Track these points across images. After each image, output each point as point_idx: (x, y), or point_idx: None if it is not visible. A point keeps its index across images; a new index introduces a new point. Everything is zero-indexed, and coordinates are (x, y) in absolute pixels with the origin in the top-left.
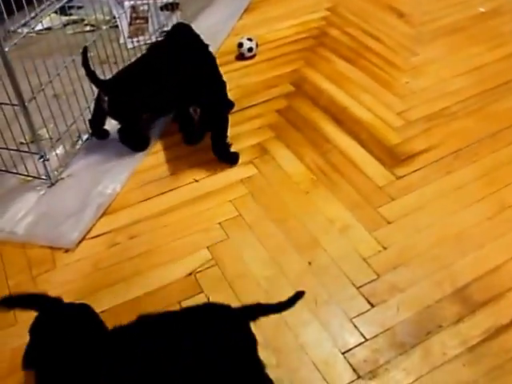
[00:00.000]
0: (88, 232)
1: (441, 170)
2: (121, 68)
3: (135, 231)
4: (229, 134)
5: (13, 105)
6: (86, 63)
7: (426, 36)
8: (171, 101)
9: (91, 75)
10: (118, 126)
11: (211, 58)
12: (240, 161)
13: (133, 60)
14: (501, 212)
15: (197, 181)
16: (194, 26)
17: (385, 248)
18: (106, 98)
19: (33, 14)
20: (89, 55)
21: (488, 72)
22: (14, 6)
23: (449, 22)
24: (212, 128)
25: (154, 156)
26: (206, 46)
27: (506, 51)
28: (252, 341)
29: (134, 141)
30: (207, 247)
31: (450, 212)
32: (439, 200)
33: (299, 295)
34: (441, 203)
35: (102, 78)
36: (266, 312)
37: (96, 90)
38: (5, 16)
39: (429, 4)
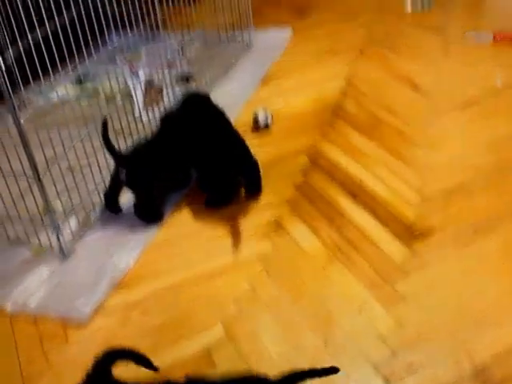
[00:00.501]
0: (101, 306)
1: (459, 246)
2: (139, 140)
3: (149, 306)
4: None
5: (28, 177)
6: (105, 135)
7: (442, 109)
8: (188, 172)
9: (110, 148)
10: (133, 200)
11: (227, 123)
12: (255, 236)
13: (150, 132)
14: None
15: (211, 255)
16: None
17: (402, 325)
18: (124, 171)
19: (47, 84)
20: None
21: (506, 145)
22: (29, 75)
23: (465, 96)
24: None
25: (168, 230)
26: (220, 112)
27: None
28: None
29: (149, 214)
30: (221, 323)
31: (468, 288)
32: (457, 276)
33: (335, 369)
34: (459, 279)
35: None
36: (302, 378)
37: (111, 164)
38: (20, 85)
39: (445, 77)
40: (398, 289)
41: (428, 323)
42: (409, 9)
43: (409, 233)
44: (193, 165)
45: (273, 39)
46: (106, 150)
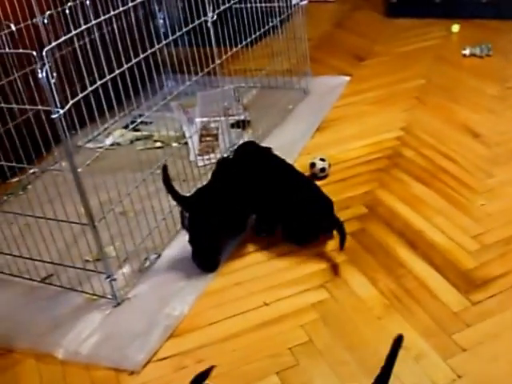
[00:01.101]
0: (154, 354)
1: None
2: (199, 186)
3: (203, 355)
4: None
5: (82, 224)
6: (166, 181)
7: (502, 157)
8: (246, 218)
9: (172, 192)
10: (190, 246)
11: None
12: (311, 284)
13: (211, 178)
14: None
15: (267, 304)
16: (264, 144)
17: (460, 377)
18: (187, 215)
19: (102, 129)
20: (169, 173)
21: None
22: (86, 118)
23: None
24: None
25: (223, 278)
26: (274, 156)
27: None
28: None
29: (207, 261)
30: (276, 373)
31: None
32: None
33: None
34: None
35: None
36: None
37: (166, 209)
38: (78, 131)
39: (504, 124)
40: (456, 339)
41: (487, 376)
42: (467, 54)
43: (468, 283)
44: (255, 211)
45: (330, 86)
46: (169, 196)
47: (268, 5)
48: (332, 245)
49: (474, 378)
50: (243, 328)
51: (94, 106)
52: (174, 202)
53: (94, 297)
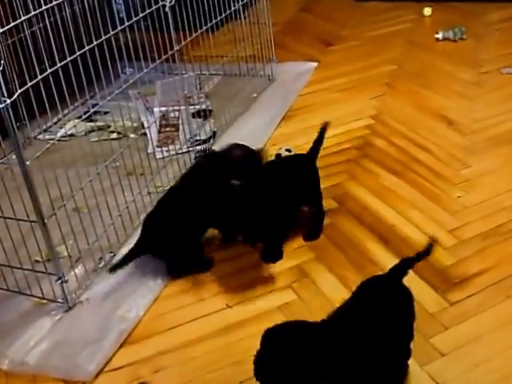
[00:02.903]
0: (107, 363)
1: (500, 295)
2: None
3: (161, 363)
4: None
5: (31, 221)
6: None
7: (478, 146)
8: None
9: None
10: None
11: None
12: (277, 285)
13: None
14: None
15: (230, 306)
16: (228, 135)
17: None
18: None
19: (55, 120)
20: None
21: None
22: (36, 110)
23: (503, 131)
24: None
25: (183, 278)
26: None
27: None
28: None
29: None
30: (240, 383)
31: (511, 343)
32: (499, 329)
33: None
34: (502, 332)
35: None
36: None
37: (121, 205)
38: (26, 122)
39: (480, 111)
40: (434, 343)
41: (468, 383)
42: (440, 37)
43: (445, 281)
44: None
45: (296, 73)
46: None
47: None
48: (299, 242)
49: None
50: (205, 333)
51: (44, 95)
52: (129, 198)
53: (44, 301)
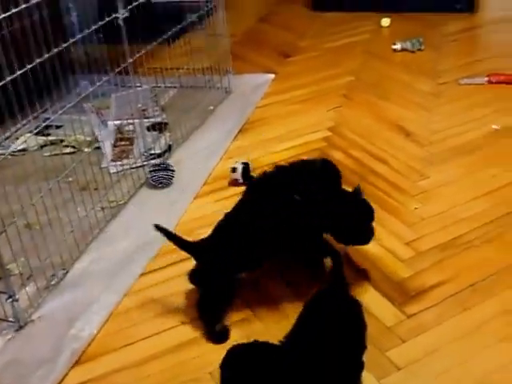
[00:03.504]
0: (60, 383)
1: (457, 307)
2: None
3: (115, 381)
4: None
5: None
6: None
7: (435, 157)
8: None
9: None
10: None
11: None
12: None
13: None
14: None
15: (184, 323)
16: (184, 148)
17: None
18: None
19: (7, 134)
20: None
21: (505, 195)
22: None
23: (460, 142)
24: None
25: (138, 294)
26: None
27: None
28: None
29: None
30: None
31: (469, 355)
32: (456, 341)
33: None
34: (458, 345)
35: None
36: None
37: (74, 221)
38: None
39: (438, 122)
40: (390, 356)
41: None
42: (398, 48)
43: (402, 293)
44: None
45: (254, 84)
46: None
47: None
48: None
49: None
50: (159, 350)
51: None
52: (83, 213)
53: None
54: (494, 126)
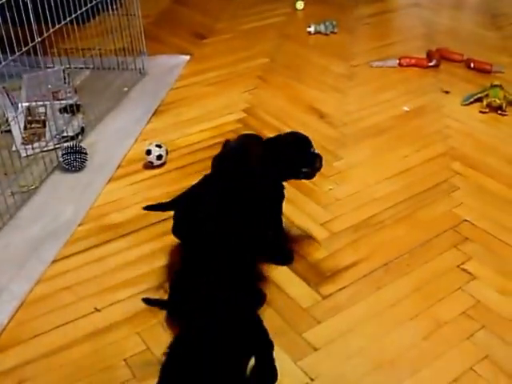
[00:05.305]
0: None
1: (371, 286)
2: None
3: (26, 374)
4: None
5: None
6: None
7: (349, 138)
8: None
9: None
10: None
11: None
12: (148, 285)
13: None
14: (436, 330)
15: (98, 310)
16: (97, 131)
17: (312, 379)
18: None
19: None
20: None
21: (416, 175)
22: None
23: (373, 123)
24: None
25: (49, 282)
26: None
27: (433, 152)
28: None
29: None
30: None
31: (383, 333)
32: (370, 320)
33: None
34: (372, 324)
35: None
36: None
37: None
38: None
39: (351, 104)
40: (307, 337)
41: (341, 376)
42: (312, 31)
43: (317, 274)
44: None
45: (168, 66)
46: None
47: None
48: (170, 240)
49: (327, 379)
50: (72, 339)
51: None
52: None
53: None
54: (404, 108)
